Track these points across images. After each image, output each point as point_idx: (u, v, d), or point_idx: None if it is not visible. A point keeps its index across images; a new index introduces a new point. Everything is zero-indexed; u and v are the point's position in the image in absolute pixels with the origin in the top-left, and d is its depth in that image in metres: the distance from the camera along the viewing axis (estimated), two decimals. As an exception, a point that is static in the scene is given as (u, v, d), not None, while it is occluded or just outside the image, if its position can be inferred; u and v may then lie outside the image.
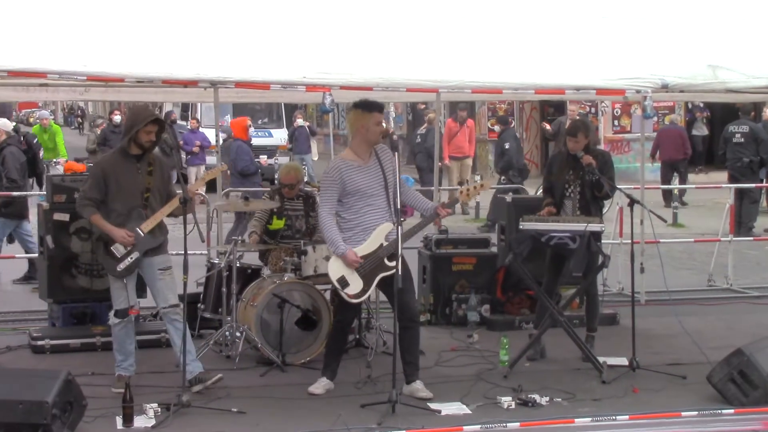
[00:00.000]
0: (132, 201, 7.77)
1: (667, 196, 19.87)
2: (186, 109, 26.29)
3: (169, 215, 7.86)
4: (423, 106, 22.96)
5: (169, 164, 8.84)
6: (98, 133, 21.68)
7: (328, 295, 8.94)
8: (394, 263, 7.46)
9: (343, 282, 7.55)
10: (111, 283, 7.88)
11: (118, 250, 7.72)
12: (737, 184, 16.18)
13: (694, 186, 20.02)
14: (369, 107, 7.73)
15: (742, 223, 16.46)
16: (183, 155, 23.13)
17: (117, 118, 21.00)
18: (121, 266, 7.73)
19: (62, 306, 9.55)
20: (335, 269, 7.58)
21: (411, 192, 8.03)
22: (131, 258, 7.73)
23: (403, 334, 7.57)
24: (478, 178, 19.91)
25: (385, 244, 7.60)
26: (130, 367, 7.92)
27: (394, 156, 7.74)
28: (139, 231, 7.72)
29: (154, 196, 7.84)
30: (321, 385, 7.84)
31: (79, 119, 62.25)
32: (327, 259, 7.81)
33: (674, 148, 20.87)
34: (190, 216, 7.59)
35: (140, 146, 7.77)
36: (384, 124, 7.83)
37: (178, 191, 7.93)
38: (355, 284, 7.56)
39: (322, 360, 8.06)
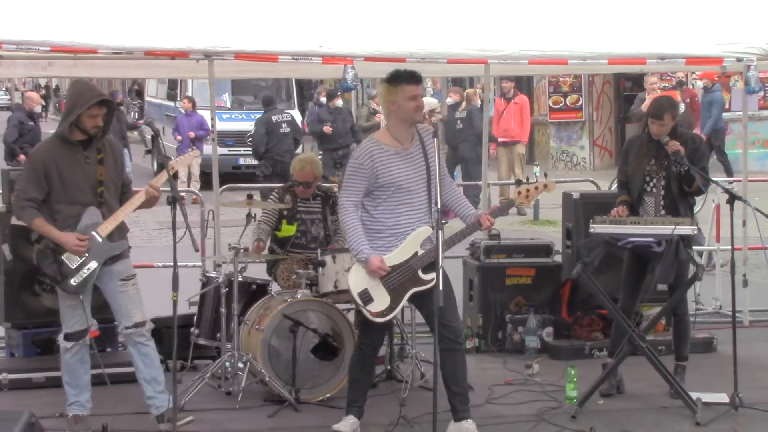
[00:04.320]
0: (82, 198, 7.79)
1: None
2: (173, 86, 26.46)
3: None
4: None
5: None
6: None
7: (351, 317, 8.97)
8: (430, 276, 7.47)
9: (366, 297, 7.56)
10: (61, 302, 7.93)
11: (71, 260, 7.75)
12: None
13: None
14: (396, 79, 7.65)
15: None
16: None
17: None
18: (76, 280, 7.76)
19: (23, 332, 9.61)
20: (357, 280, 7.59)
21: (454, 191, 7.99)
22: (88, 269, 7.77)
23: (445, 360, 7.55)
24: (536, 170, 19.86)
25: (420, 252, 7.62)
26: (87, 404, 7.98)
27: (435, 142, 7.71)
28: (96, 235, 7.74)
29: (108, 191, 7.86)
30: (347, 424, 7.85)
31: (42, 102, 61.92)
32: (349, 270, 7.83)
33: None
34: (180, 220, 7.61)
35: (84, 132, 7.79)
36: (420, 99, 7.66)
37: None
38: (381, 300, 7.57)
39: (346, 396, 8.07)
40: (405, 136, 7.69)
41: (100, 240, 7.76)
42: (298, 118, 26.80)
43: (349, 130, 21.59)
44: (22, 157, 19.22)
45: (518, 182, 8.19)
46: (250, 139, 22.86)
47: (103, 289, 7.94)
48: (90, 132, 7.78)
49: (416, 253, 7.61)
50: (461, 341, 7.83)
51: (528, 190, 7.96)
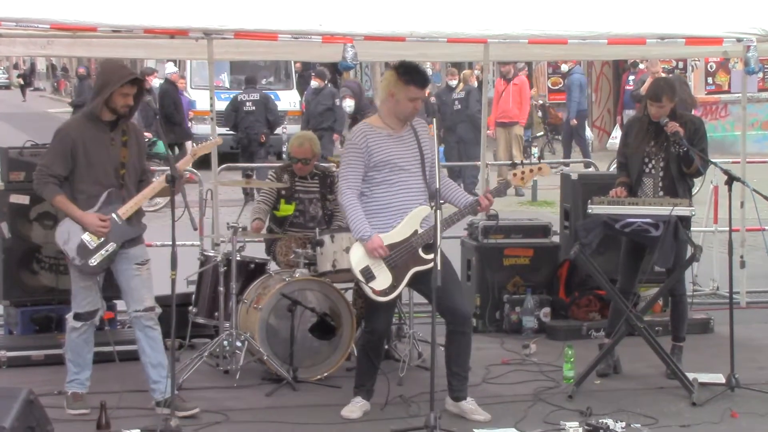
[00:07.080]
0: (104, 179, 7.77)
1: None
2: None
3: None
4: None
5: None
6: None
7: (350, 296, 8.97)
8: (431, 255, 7.48)
9: (368, 274, 7.57)
10: (74, 281, 7.89)
11: (90, 240, 7.74)
12: None
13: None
14: (408, 77, 7.62)
15: None
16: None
17: None
18: (95, 260, 7.74)
19: (21, 309, 9.63)
20: (359, 258, 7.60)
21: (444, 180, 8.02)
22: (106, 250, 7.74)
23: (451, 341, 7.69)
24: (535, 151, 19.89)
25: (420, 231, 7.63)
26: (86, 382, 7.99)
27: (433, 123, 7.70)
28: (116, 217, 7.73)
29: (129, 174, 7.85)
30: (357, 407, 7.86)
31: (22, 81, 60.97)
32: (348, 251, 7.82)
33: None
34: (179, 199, 7.61)
35: (114, 111, 7.76)
36: (419, 102, 7.69)
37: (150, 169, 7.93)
38: (383, 278, 7.58)
39: (343, 375, 8.07)
40: (396, 124, 7.74)
41: (119, 222, 7.73)
42: (296, 99, 26.73)
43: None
44: None
45: (514, 164, 8.21)
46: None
47: (117, 272, 7.89)
48: (120, 111, 7.72)
49: (416, 231, 7.63)
50: (469, 326, 7.86)
51: (523, 173, 8.01)
